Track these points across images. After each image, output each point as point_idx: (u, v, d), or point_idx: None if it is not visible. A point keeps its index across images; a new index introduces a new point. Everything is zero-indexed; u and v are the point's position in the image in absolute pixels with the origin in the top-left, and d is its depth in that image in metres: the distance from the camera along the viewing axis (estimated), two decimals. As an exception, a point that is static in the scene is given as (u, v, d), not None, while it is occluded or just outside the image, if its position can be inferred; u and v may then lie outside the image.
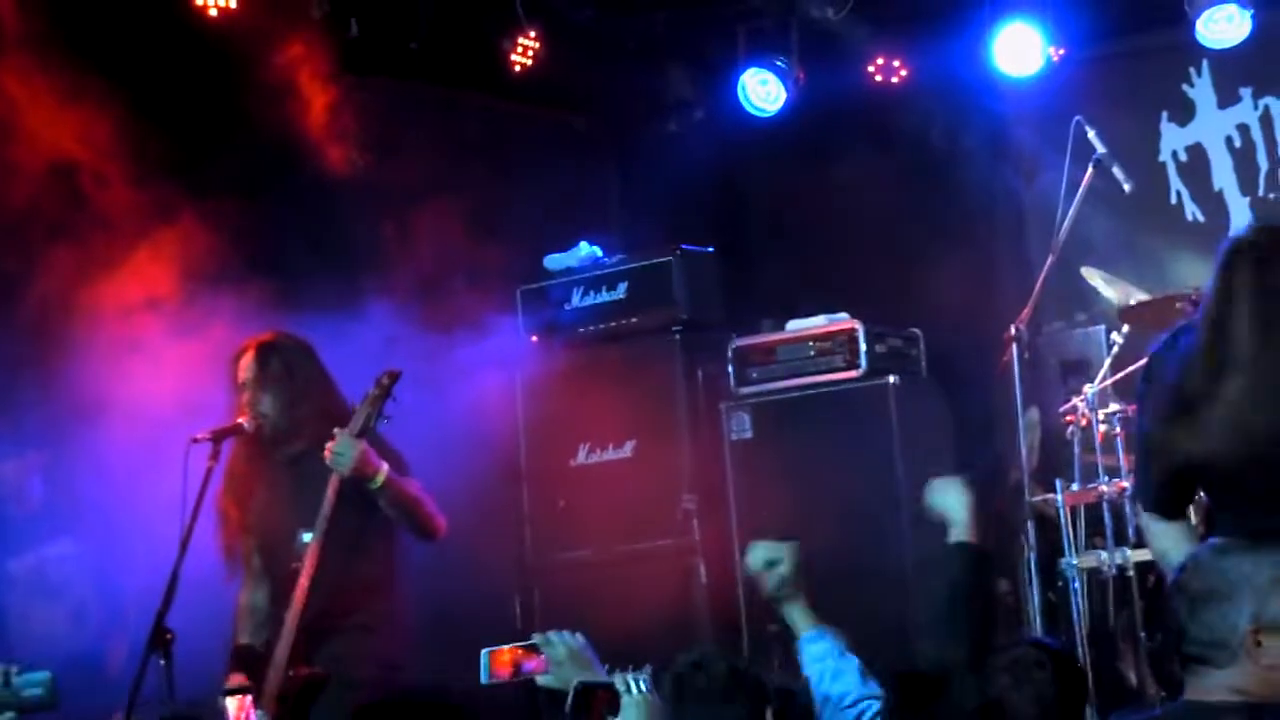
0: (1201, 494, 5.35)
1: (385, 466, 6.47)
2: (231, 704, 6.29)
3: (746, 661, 4.74)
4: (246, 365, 6.69)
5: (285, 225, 8.18)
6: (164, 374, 7.21)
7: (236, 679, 6.47)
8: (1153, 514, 5.26)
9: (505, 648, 5.00)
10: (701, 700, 4.44)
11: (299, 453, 6.65)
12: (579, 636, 4.99)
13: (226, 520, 6.67)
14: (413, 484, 6.61)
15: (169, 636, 6.16)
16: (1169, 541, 5.21)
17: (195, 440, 6.52)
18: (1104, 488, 7.92)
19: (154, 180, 7.37)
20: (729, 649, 4.81)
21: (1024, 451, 8.07)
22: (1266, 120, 8.99)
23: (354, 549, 6.50)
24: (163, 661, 6.14)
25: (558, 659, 4.92)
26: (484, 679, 5.00)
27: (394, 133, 8.44)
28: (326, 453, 6.41)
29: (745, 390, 8.70)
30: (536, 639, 4.97)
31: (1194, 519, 5.67)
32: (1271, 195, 8.90)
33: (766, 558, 5.42)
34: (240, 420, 6.62)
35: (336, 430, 6.44)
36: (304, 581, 6.35)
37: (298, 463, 6.66)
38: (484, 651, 5.02)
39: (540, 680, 4.94)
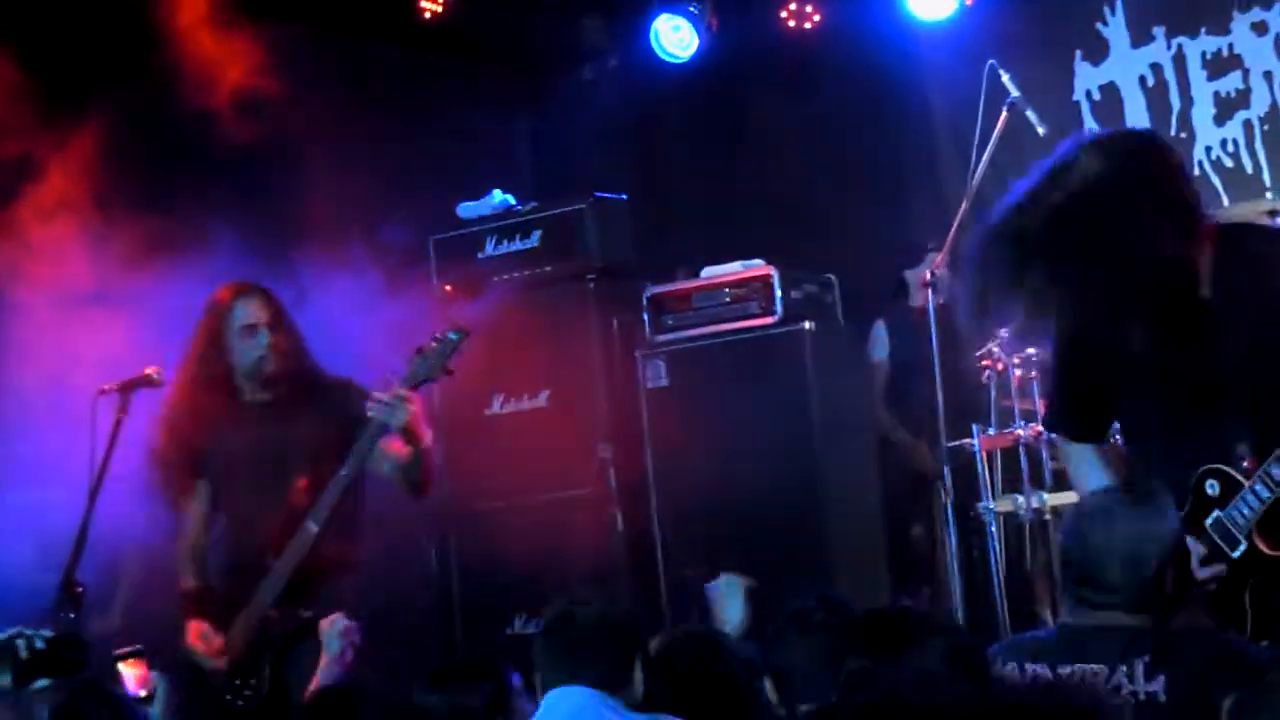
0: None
1: (429, 436, 6.36)
2: (128, 670, 6.20)
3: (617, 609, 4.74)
4: (260, 306, 6.52)
5: (189, 174, 8.07)
6: (50, 323, 7.08)
7: (196, 625, 6.38)
8: (1067, 437, 5.29)
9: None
10: (568, 650, 4.46)
11: (278, 398, 6.51)
12: None
13: (166, 463, 6.54)
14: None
15: (78, 590, 6.08)
16: (1087, 466, 5.24)
17: (103, 391, 6.42)
18: (1020, 432, 7.95)
19: (45, 127, 7.23)
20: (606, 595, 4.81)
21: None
22: (1179, 60, 8.99)
23: (347, 495, 6.36)
24: (72, 615, 6.05)
25: None
26: None
27: (302, 81, 8.32)
28: (372, 403, 6.21)
29: (660, 338, 8.65)
30: None
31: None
32: (1183, 135, 8.91)
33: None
34: (149, 371, 6.51)
35: (390, 382, 6.25)
36: (312, 527, 6.24)
37: (274, 407, 6.51)
38: None
39: None
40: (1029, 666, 4.36)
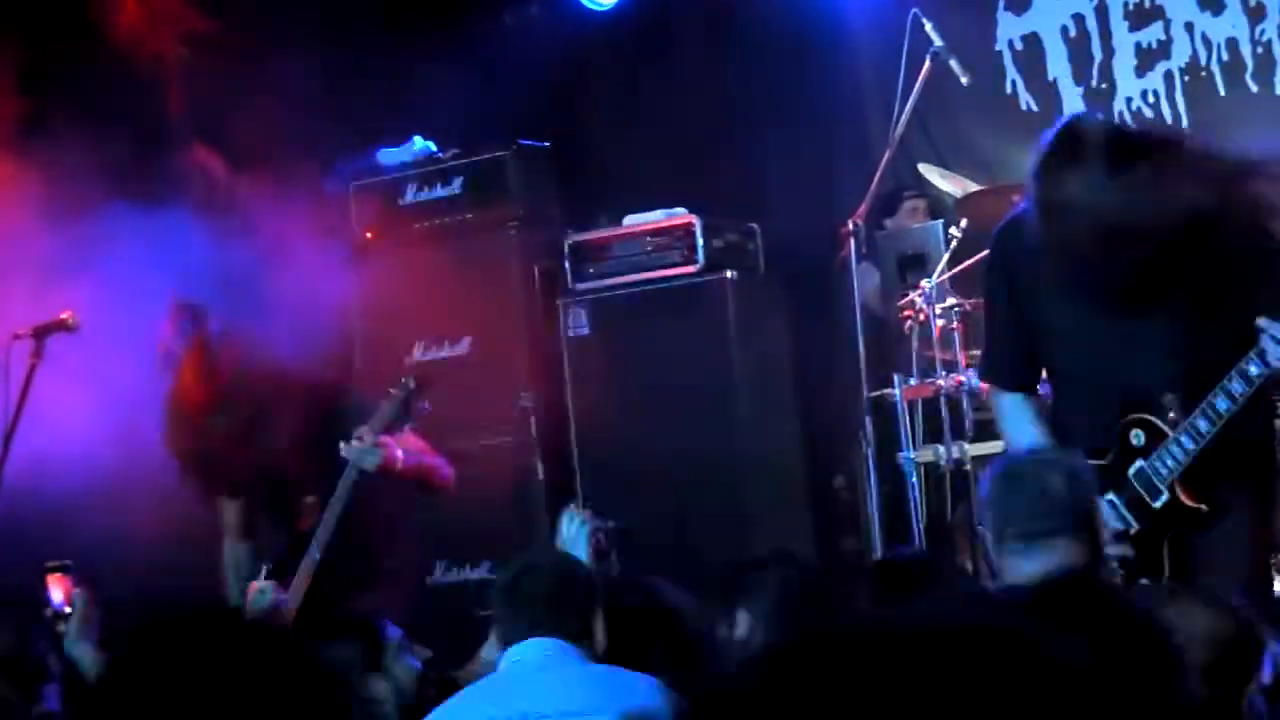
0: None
1: (400, 456, 6.46)
2: (55, 584, 6.16)
3: (578, 563, 4.73)
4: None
5: (99, 113, 7.93)
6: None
7: None
8: (1000, 387, 5.32)
9: None
10: (529, 603, 4.42)
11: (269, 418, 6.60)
12: None
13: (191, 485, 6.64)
14: (420, 451, 6.60)
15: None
16: (1017, 417, 5.26)
17: (16, 336, 6.35)
18: (941, 382, 7.95)
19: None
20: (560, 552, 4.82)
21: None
22: (1102, 10, 8.98)
23: (350, 524, 6.44)
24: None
25: None
26: None
27: (215, 23, 8.21)
28: (345, 447, 6.37)
29: (582, 286, 8.62)
30: None
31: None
32: (1104, 86, 8.91)
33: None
34: (64, 316, 6.44)
35: (361, 430, 6.40)
36: (315, 555, 6.32)
37: (263, 426, 6.60)
38: None
39: None
40: None
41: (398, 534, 6.77)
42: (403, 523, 6.81)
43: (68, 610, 5.49)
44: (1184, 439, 4.94)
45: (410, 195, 8.92)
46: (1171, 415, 4.96)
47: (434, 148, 9.03)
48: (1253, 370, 4.84)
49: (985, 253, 5.56)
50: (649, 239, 8.55)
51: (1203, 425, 4.91)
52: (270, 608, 6.11)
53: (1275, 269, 4.97)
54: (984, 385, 5.85)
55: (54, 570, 6.04)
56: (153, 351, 6.76)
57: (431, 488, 6.68)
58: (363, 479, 6.40)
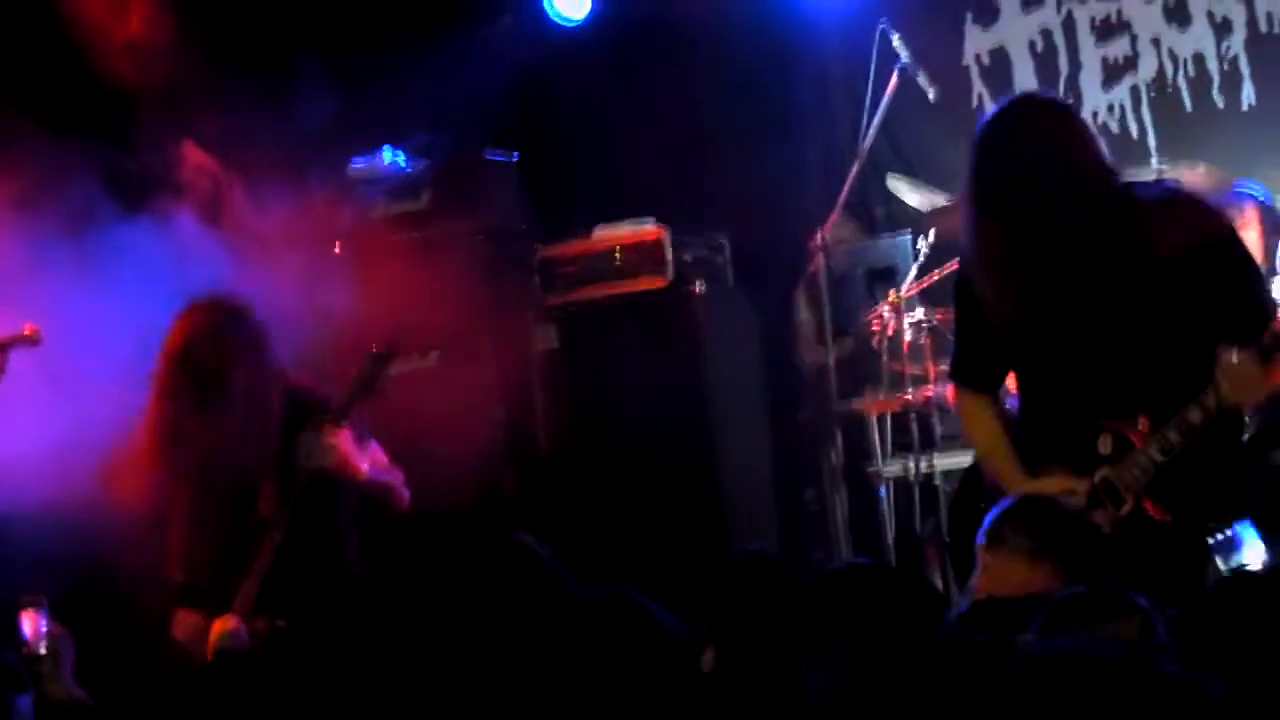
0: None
1: (365, 469, 6.27)
2: (27, 619, 6.12)
3: None
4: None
5: (71, 119, 7.94)
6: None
7: (184, 615, 6.29)
8: (968, 388, 5.35)
9: None
10: None
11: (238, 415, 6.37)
12: None
13: (152, 473, 6.45)
14: (381, 466, 6.42)
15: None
16: (982, 419, 5.29)
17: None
18: (910, 395, 7.97)
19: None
20: None
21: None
22: (1069, 24, 9.01)
23: (314, 512, 6.31)
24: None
25: None
26: None
27: (182, 36, 8.21)
28: (297, 445, 6.16)
29: (551, 299, 8.61)
30: None
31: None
32: (1070, 99, 8.92)
33: None
34: (26, 330, 6.39)
35: (319, 421, 6.18)
36: (276, 538, 6.19)
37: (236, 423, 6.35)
38: None
39: None
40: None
41: (352, 555, 6.62)
42: (356, 543, 6.66)
43: (42, 651, 5.43)
44: (1153, 450, 4.95)
45: (379, 207, 8.90)
46: (1140, 426, 4.98)
47: (403, 160, 9.01)
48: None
49: (954, 265, 5.57)
50: (618, 251, 8.53)
51: (1174, 437, 4.93)
52: (237, 644, 5.99)
53: (1235, 286, 5.01)
54: (950, 388, 5.85)
55: (26, 606, 6.00)
56: (123, 365, 6.71)
57: (388, 507, 6.47)
58: (315, 483, 6.19)
